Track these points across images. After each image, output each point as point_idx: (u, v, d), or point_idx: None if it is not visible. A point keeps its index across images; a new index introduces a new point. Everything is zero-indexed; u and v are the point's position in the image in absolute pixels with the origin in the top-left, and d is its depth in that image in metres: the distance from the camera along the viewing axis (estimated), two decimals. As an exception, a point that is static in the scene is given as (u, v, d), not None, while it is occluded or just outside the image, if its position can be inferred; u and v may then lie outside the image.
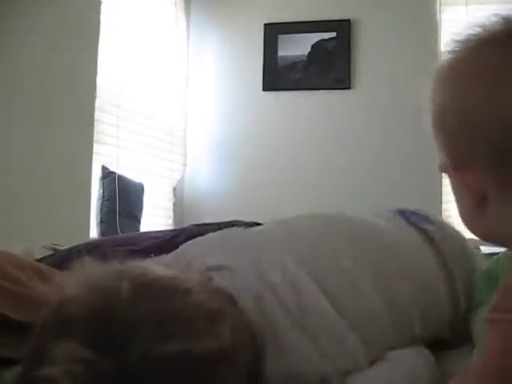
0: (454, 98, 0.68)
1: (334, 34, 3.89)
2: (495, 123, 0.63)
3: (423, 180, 3.54)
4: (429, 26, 3.78)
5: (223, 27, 4.09)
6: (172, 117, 3.89)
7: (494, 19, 0.65)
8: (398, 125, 3.70)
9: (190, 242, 1.12)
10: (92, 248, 1.68)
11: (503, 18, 0.65)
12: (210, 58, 4.10)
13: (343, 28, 3.88)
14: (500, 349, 0.56)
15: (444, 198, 3.57)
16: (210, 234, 1.21)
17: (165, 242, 1.60)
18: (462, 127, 0.68)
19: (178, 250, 1.15)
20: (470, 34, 0.67)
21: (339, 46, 3.87)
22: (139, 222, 3.34)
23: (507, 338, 0.56)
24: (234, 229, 1.25)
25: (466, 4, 3.76)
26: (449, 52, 0.68)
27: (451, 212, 3.54)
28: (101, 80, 3.09)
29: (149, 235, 1.73)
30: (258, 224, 1.66)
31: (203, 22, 4.11)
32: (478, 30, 0.66)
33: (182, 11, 4.04)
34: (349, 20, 3.88)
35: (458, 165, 0.68)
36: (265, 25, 3.97)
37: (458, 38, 0.68)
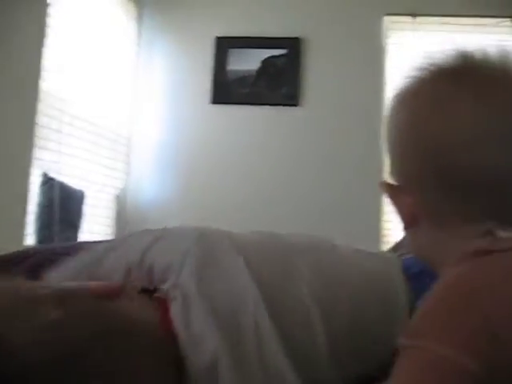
0: (401, 123, 0.73)
1: (284, 51, 3.92)
2: (425, 150, 0.67)
3: (366, 198, 3.59)
4: (376, 49, 3.86)
5: (174, 37, 4.07)
6: (117, 125, 3.83)
7: (448, 52, 0.70)
8: (343, 144, 3.76)
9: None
10: (25, 257, 1.62)
11: (456, 52, 0.70)
12: (159, 68, 4.07)
13: (294, 45, 3.92)
14: (404, 374, 0.56)
15: (385, 217, 3.64)
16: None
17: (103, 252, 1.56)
18: (399, 152, 0.72)
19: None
20: (426, 64, 0.72)
21: (289, 63, 3.91)
22: (78, 230, 3.27)
23: (412, 363, 0.56)
24: None
25: (413, 30, 3.87)
26: (406, 78, 0.73)
27: (390, 231, 3.61)
28: (45, 84, 3.02)
29: (85, 245, 1.68)
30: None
31: (154, 31, 4.08)
32: (433, 60, 0.71)
33: (133, 19, 4.00)
34: (299, 38, 3.92)
35: (395, 186, 0.73)
36: (216, 38, 3.98)
37: (416, 66, 0.73)
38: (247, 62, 3.93)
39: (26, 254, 1.64)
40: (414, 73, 0.73)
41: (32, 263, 1.54)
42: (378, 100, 3.59)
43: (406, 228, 0.73)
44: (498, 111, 0.65)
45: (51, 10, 3.04)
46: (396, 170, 0.74)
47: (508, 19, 3.78)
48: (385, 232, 3.63)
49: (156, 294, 0.86)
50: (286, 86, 3.89)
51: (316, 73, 3.90)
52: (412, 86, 0.72)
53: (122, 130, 3.90)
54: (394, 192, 0.73)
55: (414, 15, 3.86)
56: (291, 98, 3.87)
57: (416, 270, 0.98)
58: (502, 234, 0.64)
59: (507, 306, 0.57)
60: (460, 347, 0.54)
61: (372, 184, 3.55)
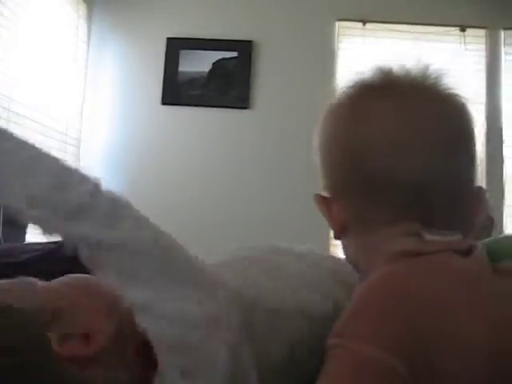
0: (326, 134, 0.77)
1: (235, 54, 3.94)
2: (347, 157, 0.72)
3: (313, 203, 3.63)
4: (326, 53, 3.92)
5: (125, 38, 4.03)
6: (66, 125, 3.77)
7: (373, 71, 0.76)
8: (293, 146, 3.79)
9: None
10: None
11: (381, 71, 0.75)
12: (109, 68, 4.03)
13: (245, 48, 3.94)
14: (335, 374, 0.56)
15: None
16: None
17: (46, 255, 1.55)
18: (325, 163, 0.77)
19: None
20: (352, 80, 0.77)
21: (240, 65, 3.93)
22: (25, 232, 3.20)
23: (343, 364, 0.57)
24: None
25: (363, 36, 3.94)
26: (337, 93, 0.79)
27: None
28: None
29: (30, 247, 1.66)
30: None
31: (105, 31, 4.04)
32: (359, 76, 0.76)
33: (83, 19, 3.95)
34: (251, 41, 3.94)
35: (325, 197, 0.77)
36: (167, 39, 3.96)
37: (346, 82, 0.78)
38: (198, 63, 3.93)
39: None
40: (341, 88, 0.78)
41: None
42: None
43: (337, 237, 0.76)
44: (414, 120, 0.71)
45: (-2, 8, 2.98)
46: (326, 181, 0.77)
47: (456, 28, 3.90)
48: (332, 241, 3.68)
49: None
50: (237, 89, 3.91)
51: (267, 76, 3.93)
52: (338, 99, 0.78)
53: (71, 131, 3.84)
54: (325, 204, 0.76)
55: (364, 21, 3.94)
56: (242, 101, 3.89)
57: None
58: (429, 237, 0.67)
59: (432, 308, 0.58)
60: (387, 348, 0.55)
61: (319, 189, 3.61)
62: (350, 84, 0.77)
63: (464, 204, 0.71)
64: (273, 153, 3.82)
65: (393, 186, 0.69)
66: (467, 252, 0.66)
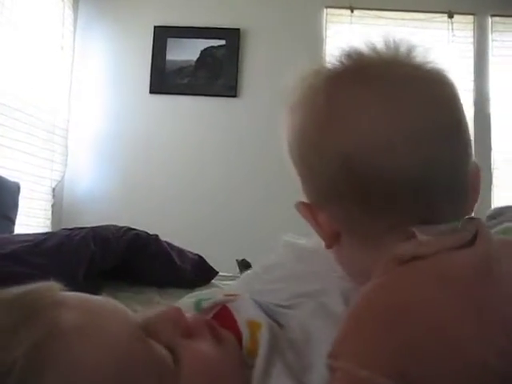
0: (296, 137, 0.67)
1: (223, 42, 3.92)
2: (331, 159, 0.62)
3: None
4: (314, 40, 3.91)
5: (112, 26, 4.01)
6: (54, 115, 3.75)
7: (342, 56, 0.65)
8: (279, 134, 3.78)
9: None
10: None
11: (349, 56, 0.65)
12: (96, 57, 4.00)
13: (233, 36, 3.92)
14: None
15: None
16: None
17: (33, 246, 1.55)
18: (304, 168, 0.67)
19: None
20: (324, 69, 0.67)
21: (228, 53, 3.92)
22: (13, 223, 3.19)
23: None
24: None
25: (351, 23, 3.94)
26: (299, 82, 0.68)
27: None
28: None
29: (17, 238, 1.66)
30: (131, 229, 1.64)
31: (91, 19, 4.01)
32: (333, 64, 0.66)
33: (69, 6, 3.91)
34: (238, 29, 3.93)
35: (310, 205, 0.67)
36: (154, 27, 3.94)
37: (311, 69, 0.68)
38: (186, 52, 3.91)
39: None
40: (308, 78, 0.67)
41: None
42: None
43: (329, 246, 0.67)
44: (408, 112, 0.61)
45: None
46: (307, 188, 0.68)
47: (444, 14, 3.90)
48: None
49: None
50: (225, 77, 3.90)
51: (255, 64, 3.92)
52: (307, 93, 0.66)
53: (59, 120, 3.82)
54: (309, 211, 0.67)
55: (352, 8, 3.93)
56: (230, 89, 3.88)
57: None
58: (424, 238, 0.59)
59: (426, 323, 0.53)
60: (378, 368, 0.51)
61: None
62: (321, 73, 0.66)
63: (464, 191, 0.64)
64: (261, 140, 3.81)
65: (388, 187, 0.60)
66: (469, 242, 0.59)
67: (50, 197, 3.76)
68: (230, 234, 3.65)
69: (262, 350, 0.60)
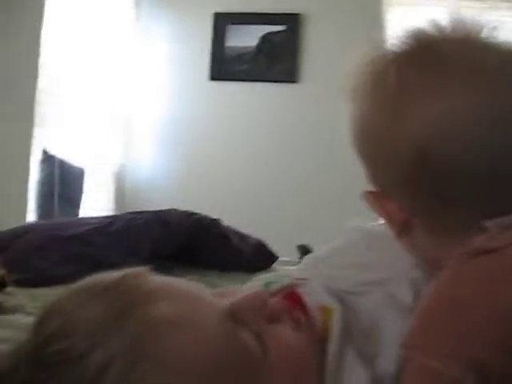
0: (363, 126, 0.65)
1: (283, 27, 3.91)
2: (406, 150, 0.59)
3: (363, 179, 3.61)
4: (375, 24, 3.84)
5: (173, 13, 4.05)
6: (116, 101, 3.84)
7: (407, 38, 0.62)
8: (343, 121, 3.75)
9: None
10: (25, 232, 1.66)
11: (415, 38, 0.62)
12: (158, 43, 4.06)
13: (293, 22, 3.90)
14: None
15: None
16: None
17: (99, 229, 1.60)
18: (372, 158, 0.64)
19: None
20: (380, 54, 0.64)
21: (288, 39, 3.90)
22: (78, 207, 3.29)
23: (412, 377, 0.53)
24: None
25: (413, 4, 3.85)
26: (362, 68, 0.65)
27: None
28: (43, 60, 3.02)
29: (84, 221, 1.72)
30: (193, 213, 1.67)
31: (153, 7, 4.06)
32: (393, 49, 0.62)
33: (131, -5, 3.98)
34: (298, 14, 3.90)
35: (378, 193, 0.65)
36: (214, 14, 3.96)
37: (374, 53, 0.64)
38: (246, 38, 3.91)
39: (27, 229, 1.68)
40: (372, 63, 0.64)
41: (32, 238, 1.58)
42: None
43: (398, 235, 0.65)
44: (486, 98, 0.57)
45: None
46: (376, 177, 0.65)
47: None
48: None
49: None
50: (285, 63, 3.88)
51: (315, 49, 3.89)
52: (373, 80, 0.63)
53: (122, 107, 3.90)
54: (377, 200, 0.65)
55: (413, -10, 3.84)
56: (290, 75, 3.86)
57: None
58: (496, 230, 0.57)
59: (498, 315, 0.52)
60: (451, 360, 0.51)
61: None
62: (387, 57, 0.62)
63: None
64: (322, 127, 3.79)
65: (464, 178, 0.58)
66: None
67: (113, 181, 3.86)
68: (291, 220, 3.66)
69: (335, 337, 0.60)
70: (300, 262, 1.89)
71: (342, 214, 3.52)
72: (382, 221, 0.68)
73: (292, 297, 0.66)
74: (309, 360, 0.56)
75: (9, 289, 1.30)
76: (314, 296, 0.66)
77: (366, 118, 0.63)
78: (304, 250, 1.89)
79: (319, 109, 3.81)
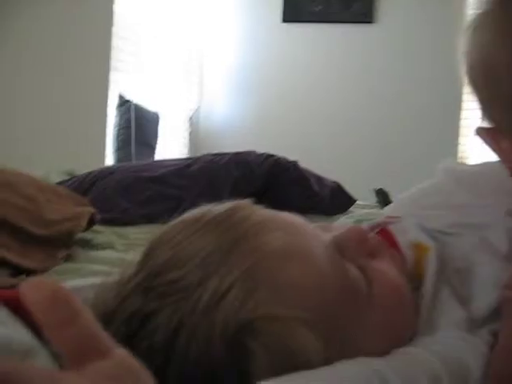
0: (483, 58, 0.60)
1: (358, -34, 3.77)
2: None
3: (441, 119, 3.50)
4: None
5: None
6: (189, 45, 3.84)
7: None
8: (419, 63, 3.63)
9: None
10: (108, 174, 1.71)
11: None
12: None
13: (368, -40, 3.75)
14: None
15: (461, 140, 3.55)
16: None
17: (179, 170, 1.63)
18: (489, 91, 0.60)
19: None
20: None
21: (363, -22, 3.76)
22: (154, 150, 3.36)
23: None
24: None
25: None
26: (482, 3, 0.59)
27: (467, 153, 3.53)
28: (118, 7, 3.04)
29: (164, 163, 1.75)
30: (270, 156, 1.67)
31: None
32: None
33: None
34: (374, -49, 3.75)
35: (492, 130, 0.61)
36: (287, -47, 3.85)
37: None
38: (320, -23, 3.80)
39: (110, 170, 1.73)
40: None
41: (116, 179, 1.62)
42: (458, 15, 3.42)
43: None
44: None
45: None
46: (492, 112, 0.61)
47: None
48: (461, 154, 3.55)
49: None
50: (360, 3, 3.75)
51: (391, -13, 3.74)
52: (495, 10, 0.59)
53: (195, 51, 3.91)
54: (491, 137, 0.61)
55: None
56: (365, 15, 3.74)
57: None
58: None
59: None
60: None
61: (448, 102, 3.46)
62: None
63: None
64: (398, 68, 3.68)
65: None
66: None
67: (187, 125, 3.90)
68: (368, 163, 3.61)
69: (431, 275, 0.59)
70: (377, 205, 1.87)
71: (418, 158, 3.45)
72: (479, 161, 0.66)
73: (384, 234, 0.66)
74: (408, 295, 0.56)
75: (96, 227, 1.35)
76: (407, 233, 0.65)
77: (487, 50, 0.58)
78: (381, 194, 1.86)
79: (395, 50, 3.69)
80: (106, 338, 0.26)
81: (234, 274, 0.43)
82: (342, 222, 0.72)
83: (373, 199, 1.91)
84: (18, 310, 0.39)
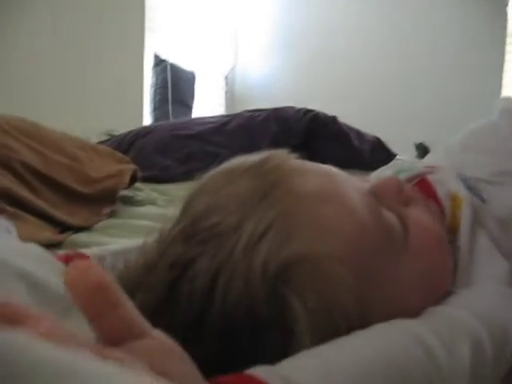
0: None
1: None
2: None
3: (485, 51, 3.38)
4: None
5: None
6: (225, 3, 3.79)
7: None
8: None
9: None
10: (147, 133, 1.72)
11: None
12: None
13: None
14: None
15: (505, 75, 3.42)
16: None
17: (218, 127, 1.63)
18: None
19: None
20: None
21: None
22: (191, 110, 3.37)
23: None
24: None
25: None
26: None
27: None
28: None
29: (202, 121, 1.75)
30: (309, 111, 1.66)
31: None
32: None
33: None
34: None
35: None
36: None
37: None
38: None
39: (149, 129, 1.74)
40: None
41: (155, 137, 1.64)
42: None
43: None
44: None
45: None
46: None
47: None
48: (505, 90, 3.42)
49: None
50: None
51: None
52: None
53: (231, 9, 3.86)
54: None
55: None
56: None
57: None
58: None
59: None
60: None
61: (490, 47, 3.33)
62: None
63: None
64: (440, 21, 3.57)
65: None
66: None
67: (223, 84, 3.89)
68: (409, 117, 3.55)
69: (465, 226, 0.58)
70: (418, 160, 1.85)
71: (461, 112, 3.36)
72: None
73: (423, 185, 0.64)
74: (446, 244, 0.55)
75: (137, 184, 1.36)
76: (445, 184, 0.63)
77: None
78: (422, 149, 1.84)
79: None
80: (144, 323, 0.26)
81: (270, 217, 0.43)
82: (381, 173, 0.71)
83: (413, 154, 1.89)
84: None
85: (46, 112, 2.26)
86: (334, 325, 0.43)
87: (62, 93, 2.50)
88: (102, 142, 1.75)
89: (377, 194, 0.51)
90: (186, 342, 0.31)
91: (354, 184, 0.51)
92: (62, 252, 0.90)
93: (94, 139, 1.83)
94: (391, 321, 0.44)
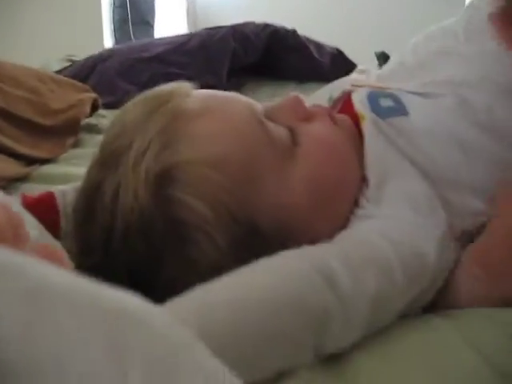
0: None
1: None
2: None
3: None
4: None
5: None
6: None
7: None
8: None
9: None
10: (107, 57, 1.70)
11: None
12: None
13: None
14: None
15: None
16: None
17: (177, 47, 1.62)
18: None
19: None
20: None
21: None
22: (153, 28, 3.29)
23: None
24: None
25: None
26: None
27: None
28: None
29: (161, 41, 1.73)
30: (268, 26, 1.65)
31: None
32: None
33: None
34: None
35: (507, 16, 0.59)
36: None
37: None
38: None
39: (109, 54, 1.72)
40: None
41: (115, 62, 1.62)
42: None
43: None
44: None
45: None
46: None
47: None
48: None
49: None
50: None
51: None
52: None
53: None
54: (506, 25, 0.59)
55: None
56: None
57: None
58: None
59: None
60: None
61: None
62: None
63: None
64: None
65: None
66: None
67: (184, 1, 3.79)
68: (368, 27, 3.51)
69: (366, 144, 0.57)
70: (379, 69, 1.86)
71: (423, 19, 3.34)
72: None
73: (347, 103, 0.65)
74: (341, 148, 0.56)
75: (100, 111, 1.37)
76: (357, 102, 0.63)
77: None
78: (383, 58, 1.84)
79: None
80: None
81: (152, 132, 0.48)
82: (318, 94, 0.72)
83: (375, 63, 1.89)
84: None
85: (3, 42, 2.21)
86: (228, 229, 0.47)
87: (19, 19, 2.43)
88: (62, 69, 1.74)
89: (270, 112, 0.55)
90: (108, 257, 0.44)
91: (246, 105, 0.55)
92: (29, 185, 0.93)
93: (55, 66, 1.81)
94: (302, 247, 0.44)
